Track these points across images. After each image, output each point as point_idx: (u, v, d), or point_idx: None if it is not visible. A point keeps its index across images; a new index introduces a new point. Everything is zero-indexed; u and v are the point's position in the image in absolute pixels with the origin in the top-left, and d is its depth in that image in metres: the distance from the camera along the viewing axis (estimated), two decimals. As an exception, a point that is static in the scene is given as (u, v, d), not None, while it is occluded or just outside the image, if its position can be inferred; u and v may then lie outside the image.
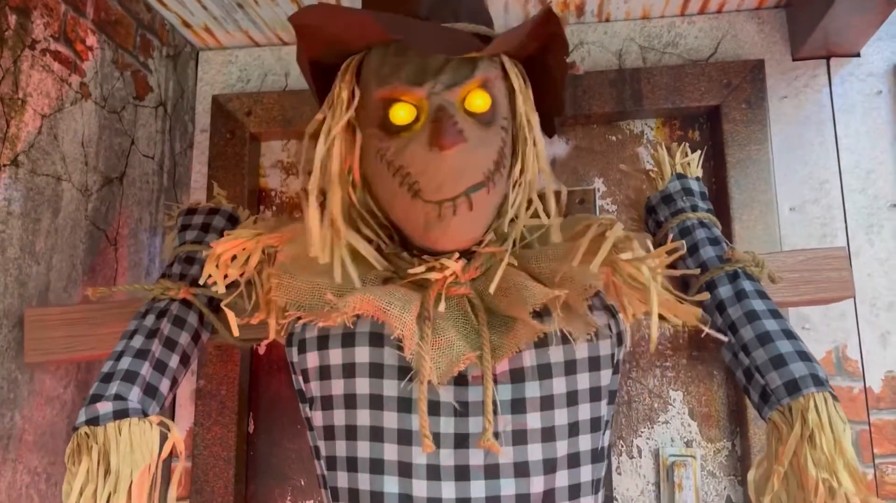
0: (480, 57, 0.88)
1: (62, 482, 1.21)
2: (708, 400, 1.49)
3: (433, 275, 0.90)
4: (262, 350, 1.62)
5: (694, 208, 1.14)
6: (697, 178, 1.19)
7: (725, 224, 1.46)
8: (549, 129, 1.03)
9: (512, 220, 0.97)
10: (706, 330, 0.96)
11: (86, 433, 0.91)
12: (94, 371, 1.33)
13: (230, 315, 0.96)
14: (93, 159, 1.34)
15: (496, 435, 0.85)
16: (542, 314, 0.88)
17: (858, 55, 1.55)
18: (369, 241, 0.97)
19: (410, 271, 0.91)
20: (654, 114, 1.59)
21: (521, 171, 0.95)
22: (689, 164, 1.21)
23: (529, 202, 0.98)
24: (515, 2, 1.54)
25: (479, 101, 0.88)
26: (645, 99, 1.56)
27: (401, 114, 0.87)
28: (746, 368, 0.98)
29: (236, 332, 0.96)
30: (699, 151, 1.22)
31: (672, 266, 1.08)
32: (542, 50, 0.94)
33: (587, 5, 1.57)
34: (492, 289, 0.88)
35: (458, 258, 0.91)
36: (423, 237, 0.89)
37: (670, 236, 1.12)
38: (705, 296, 1.00)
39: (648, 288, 0.88)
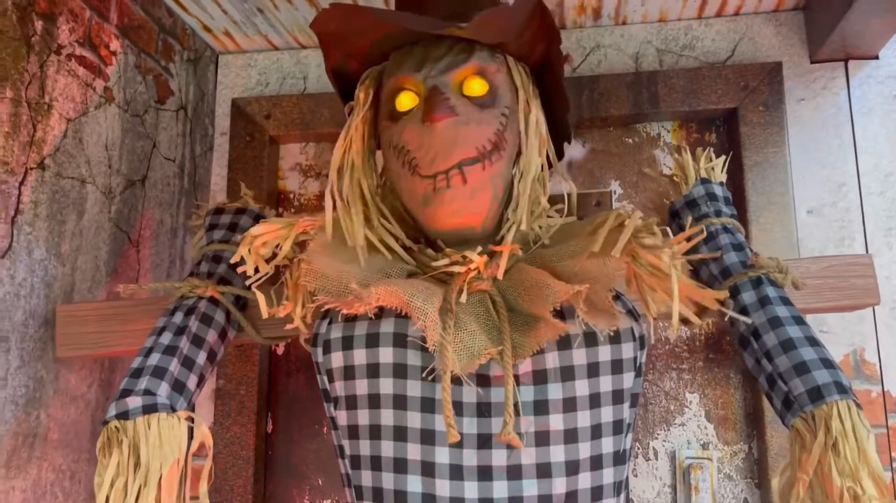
0: (478, 47, 0.95)
1: (86, 480, 1.24)
2: (724, 402, 1.49)
3: (456, 269, 0.92)
4: (280, 350, 1.63)
5: (718, 213, 1.14)
6: (721, 183, 1.20)
7: (742, 227, 1.46)
8: (562, 141, 1.08)
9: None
10: (729, 313, 0.97)
11: (116, 427, 0.93)
12: (118, 370, 1.35)
13: (260, 296, 0.97)
14: (116, 162, 1.36)
15: (519, 435, 0.86)
16: (564, 313, 0.89)
17: (877, 57, 1.55)
18: (396, 238, 1.01)
19: (434, 264, 0.94)
20: (671, 116, 1.60)
21: (525, 163, 0.99)
22: (713, 168, 1.21)
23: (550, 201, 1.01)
24: (533, 5, 1.55)
25: (475, 86, 0.94)
26: (661, 101, 1.56)
27: (404, 101, 0.95)
28: (769, 375, 0.98)
29: (265, 313, 0.97)
30: (723, 156, 1.22)
31: (692, 253, 1.11)
32: (546, 52, 0.97)
33: (604, 8, 1.57)
34: (499, 274, 0.92)
35: (481, 253, 0.92)
36: (423, 214, 0.94)
37: (689, 219, 1.13)
38: (725, 294, 1.00)
39: (669, 274, 0.87)
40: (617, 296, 0.94)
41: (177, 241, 1.57)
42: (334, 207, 1.00)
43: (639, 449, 1.49)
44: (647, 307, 0.91)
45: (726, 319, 1.02)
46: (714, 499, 1.43)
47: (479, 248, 0.93)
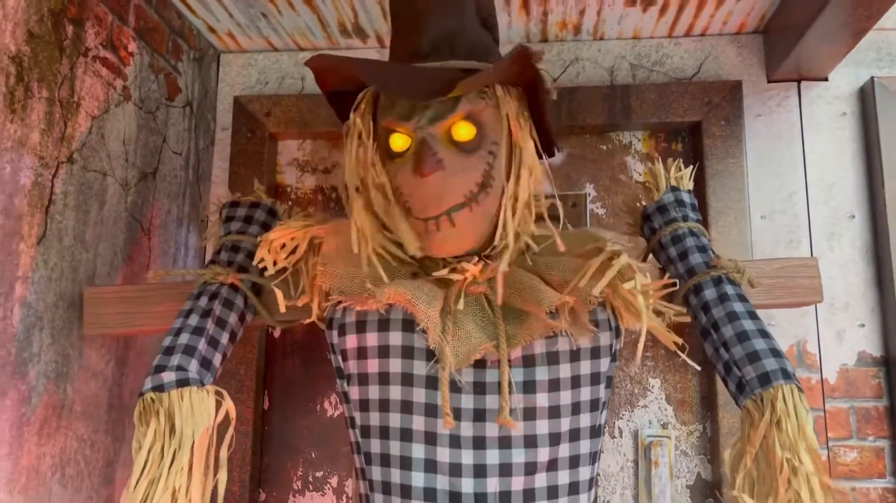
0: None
1: (103, 449, 1.35)
2: (683, 387, 1.66)
3: (454, 276, 1.04)
4: (276, 334, 1.75)
5: (685, 218, 1.27)
6: (689, 191, 1.32)
7: (706, 230, 1.62)
8: (548, 149, 1.14)
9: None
10: (682, 356, 1.09)
11: (151, 398, 1.04)
12: (132, 349, 1.45)
13: (279, 294, 1.10)
14: (132, 156, 1.46)
15: (511, 412, 1.00)
16: (552, 313, 1.03)
17: (827, 79, 1.71)
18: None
19: (435, 273, 1.05)
20: (642, 126, 1.75)
21: (516, 190, 1.05)
22: (682, 177, 1.35)
23: (538, 216, 1.10)
24: (518, 20, 1.68)
25: (463, 132, 1.00)
26: (633, 113, 1.71)
27: (398, 142, 1.02)
28: (726, 362, 1.12)
29: (283, 309, 1.10)
30: (691, 167, 1.35)
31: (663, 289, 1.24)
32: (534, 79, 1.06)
33: (583, 25, 1.71)
34: (499, 299, 1.02)
35: (477, 262, 1.05)
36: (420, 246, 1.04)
37: (664, 239, 1.26)
38: (680, 340, 1.15)
39: (641, 316, 1.01)
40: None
41: (182, 230, 1.67)
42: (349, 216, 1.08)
43: (606, 428, 1.64)
44: (620, 321, 1.07)
45: (682, 356, 1.13)
46: (671, 472, 1.60)
47: (475, 259, 1.05)
